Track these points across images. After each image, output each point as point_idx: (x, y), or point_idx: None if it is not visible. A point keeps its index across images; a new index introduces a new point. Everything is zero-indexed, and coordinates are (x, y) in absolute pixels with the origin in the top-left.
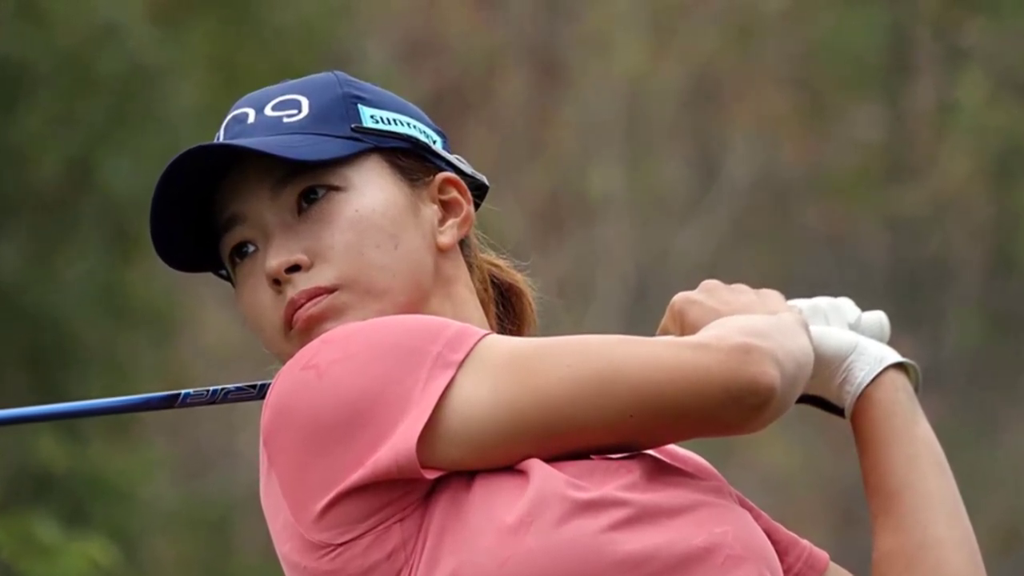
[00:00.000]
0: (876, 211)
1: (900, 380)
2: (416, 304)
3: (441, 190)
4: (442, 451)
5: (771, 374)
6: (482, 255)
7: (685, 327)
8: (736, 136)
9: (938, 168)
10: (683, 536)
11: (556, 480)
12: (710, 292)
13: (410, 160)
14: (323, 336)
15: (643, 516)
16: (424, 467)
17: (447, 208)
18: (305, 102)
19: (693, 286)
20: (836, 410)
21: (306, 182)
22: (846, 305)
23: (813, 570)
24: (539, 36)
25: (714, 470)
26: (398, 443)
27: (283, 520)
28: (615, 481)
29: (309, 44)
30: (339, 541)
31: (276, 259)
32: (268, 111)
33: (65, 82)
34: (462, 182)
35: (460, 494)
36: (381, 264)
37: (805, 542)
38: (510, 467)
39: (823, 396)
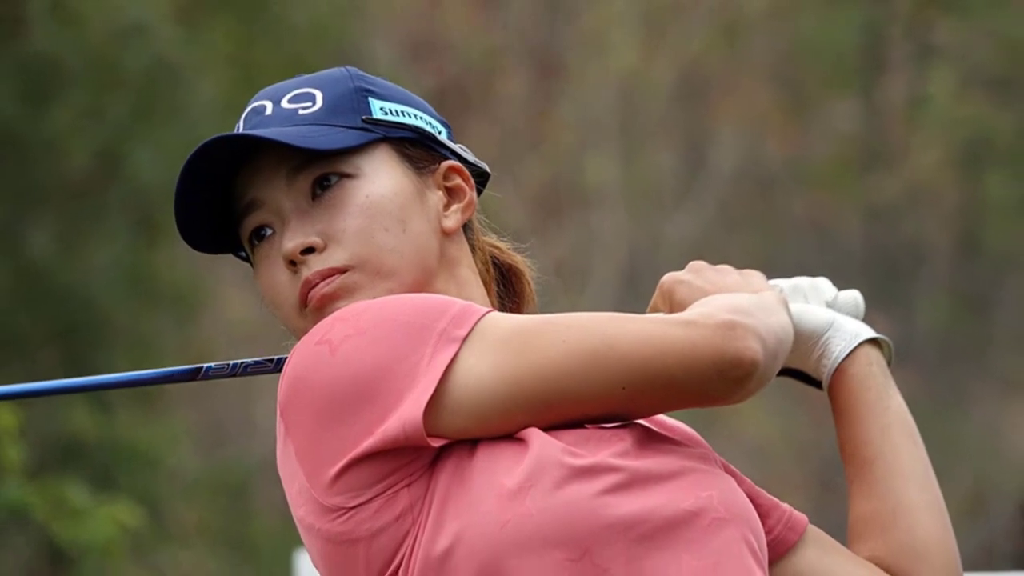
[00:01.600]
0: (853, 199)
1: (874, 355)
2: (422, 284)
3: (446, 177)
4: (446, 420)
5: (754, 349)
6: (484, 238)
7: (674, 305)
8: (722, 129)
9: (910, 158)
10: (672, 500)
11: (553, 448)
12: (697, 272)
13: (417, 149)
14: (336, 313)
15: (635, 481)
16: (430, 435)
17: (451, 194)
18: (319, 95)
19: (681, 268)
20: (814, 383)
21: (320, 170)
22: (824, 284)
23: (793, 532)
24: (538, 36)
25: (700, 438)
26: (406, 413)
27: (298, 485)
28: (608, 449)
29: (321, 43)
30: (351, 505)
31: (292, 242)
32: (284, 103)
33: (94, 78)
34: (465, 170)
35: (464, 461)
36: (390, 246)
37: (785, 506)
38: (510, 436)
39: (802, 369)
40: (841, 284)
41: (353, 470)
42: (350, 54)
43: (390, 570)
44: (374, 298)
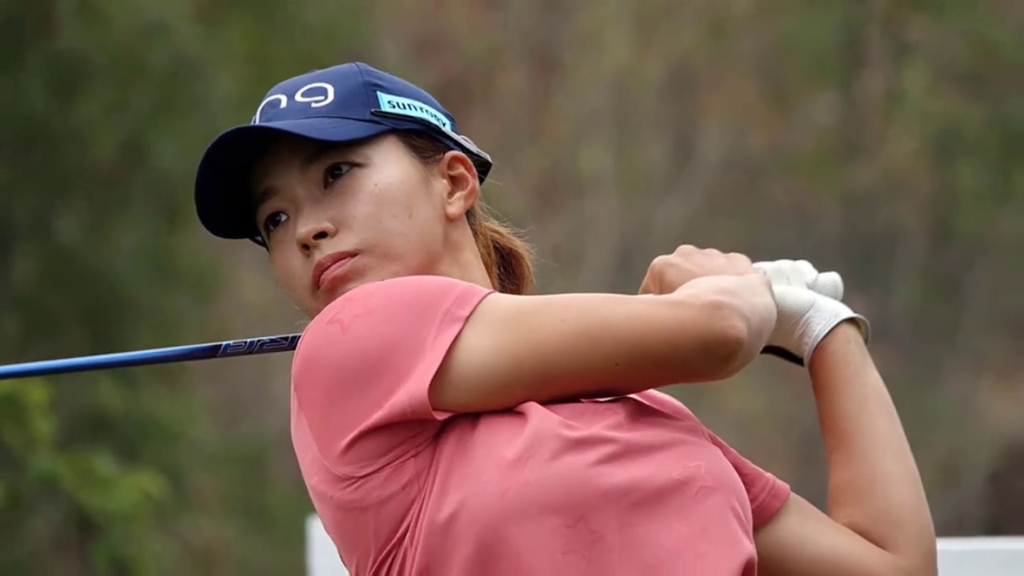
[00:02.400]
0: (832, 187)
1: (852, 333)
2: (428, 267)
3: (450, 167)
4: (450, 395)
5: (739, 328)
6: (486, 224)
7: (664, 287)
8: (709, 121)
9: (886, 149)
10: (662, 469)
11: (551, 421)
12: (685, 256)
13: (422, 140)
14: (346, 294)
15: (627, 452)
16: (435, 409)
17: (455, 182)
18: (330, 89)
19: (671, 251)
20: (796, 360)
21: (331, 159)
22: (805, 267)
23: (776, 499)
24: (536, 34)
25: (689, 412)
26: (412, 388)
27: (311, 456)
28: (602, 421)
29: (332, 40)
30: (360, 474)
31: (305, 227)
32: (298, 97)
33: (119, 73)
34: (468, 160)
35: (466, 433)
36: (397, 231)
37: (769, 475)
38: (510, 409)
39: (784, 347)
40: (821, 267)
41: (363, 442)
42: (360, 51)
43: (397, 536)
44: (382, 280)
